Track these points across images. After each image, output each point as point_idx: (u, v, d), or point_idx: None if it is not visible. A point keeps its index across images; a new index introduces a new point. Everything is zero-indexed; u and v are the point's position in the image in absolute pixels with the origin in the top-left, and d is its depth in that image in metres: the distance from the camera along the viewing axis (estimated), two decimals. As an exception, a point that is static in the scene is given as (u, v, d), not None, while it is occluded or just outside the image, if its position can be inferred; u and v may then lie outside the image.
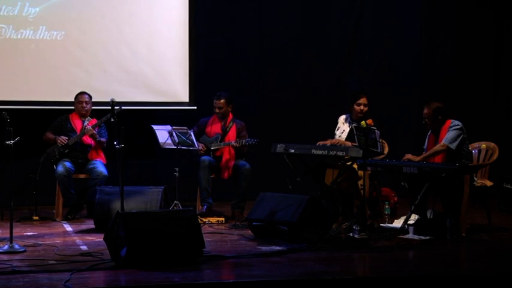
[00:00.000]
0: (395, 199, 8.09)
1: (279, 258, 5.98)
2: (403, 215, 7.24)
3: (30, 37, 8.73)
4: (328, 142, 7.65)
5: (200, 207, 7.96)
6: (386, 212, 7.54)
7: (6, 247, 6.10)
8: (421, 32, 10.18)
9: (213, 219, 7.68)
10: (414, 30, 10.17)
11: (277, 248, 6.32)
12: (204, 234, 5.98)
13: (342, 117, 7.93)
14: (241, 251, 6.21)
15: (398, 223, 7.28)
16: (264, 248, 6.33)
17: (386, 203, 7.65)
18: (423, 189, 6.93)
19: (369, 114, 7.70)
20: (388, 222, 7.46)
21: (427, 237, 6.73)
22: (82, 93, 8.24)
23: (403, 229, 6.91)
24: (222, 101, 8.15)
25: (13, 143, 6.23)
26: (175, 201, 7.56)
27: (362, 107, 7.71)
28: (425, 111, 7.33)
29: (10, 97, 8.67)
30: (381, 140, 7.03)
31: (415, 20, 10.17)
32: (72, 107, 8.26)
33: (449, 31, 10.21)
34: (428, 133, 7.46)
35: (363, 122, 7.07)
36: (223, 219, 7.72)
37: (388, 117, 9.50)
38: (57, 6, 8.79)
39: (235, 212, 7.96)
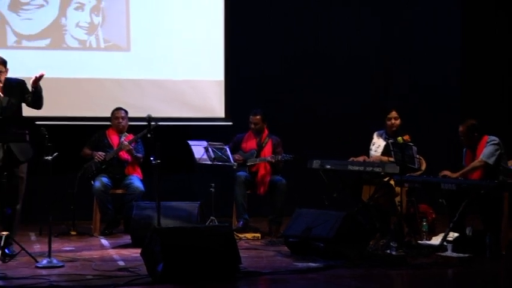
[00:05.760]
0: (433, 216, 8.02)
1: (315, 274, 5.95)
2: (442, 232, 7.15)
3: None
4: (361, 158, 7.61)
5: (236, 222, 7.95)
6: (424, 229, 7.46)
7: (45, 262, 6.14)
8: (462, 44, 10.06)
9: (249, 235, 7.67)
10: (454, 42, 10.05)
11: (314, 264, 6.28)
12: (240, 250, 5.98)
13: (377, 133, 7.90)
14: (278, 267, 6.19)
15: (436, 240, 7.18)
16: (300, 265, 6.29)
17: (424, 219, 7.57)
18: (462, 206, 6.84)
19: (405, 129, 7.64)
20: (426, 239, 7.37)
21: (466, 255, 6.63)
22: (118, 109, 8.32)
23: (442, 246, 6.82)
24: (258, 117, 8.18)
25: (51, 158, 6.28)
26: (211, 217, 7.57)
27: (393, 121, 7.69)
28: (461, 129, 7.27)
29: (48, 113, 8.71)
30: (418, 156, 6.97)
31: (455, 32, 10.05)
32: (109, 123, 8.33)
33: (490, 44, 10.07)
34: (464, 150, 7.38)
35: (399, 138, 7.02)
36: (259, 235, 7.71)
37: (425, 133, 9.40)
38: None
39: (272, 227, 7.94)
